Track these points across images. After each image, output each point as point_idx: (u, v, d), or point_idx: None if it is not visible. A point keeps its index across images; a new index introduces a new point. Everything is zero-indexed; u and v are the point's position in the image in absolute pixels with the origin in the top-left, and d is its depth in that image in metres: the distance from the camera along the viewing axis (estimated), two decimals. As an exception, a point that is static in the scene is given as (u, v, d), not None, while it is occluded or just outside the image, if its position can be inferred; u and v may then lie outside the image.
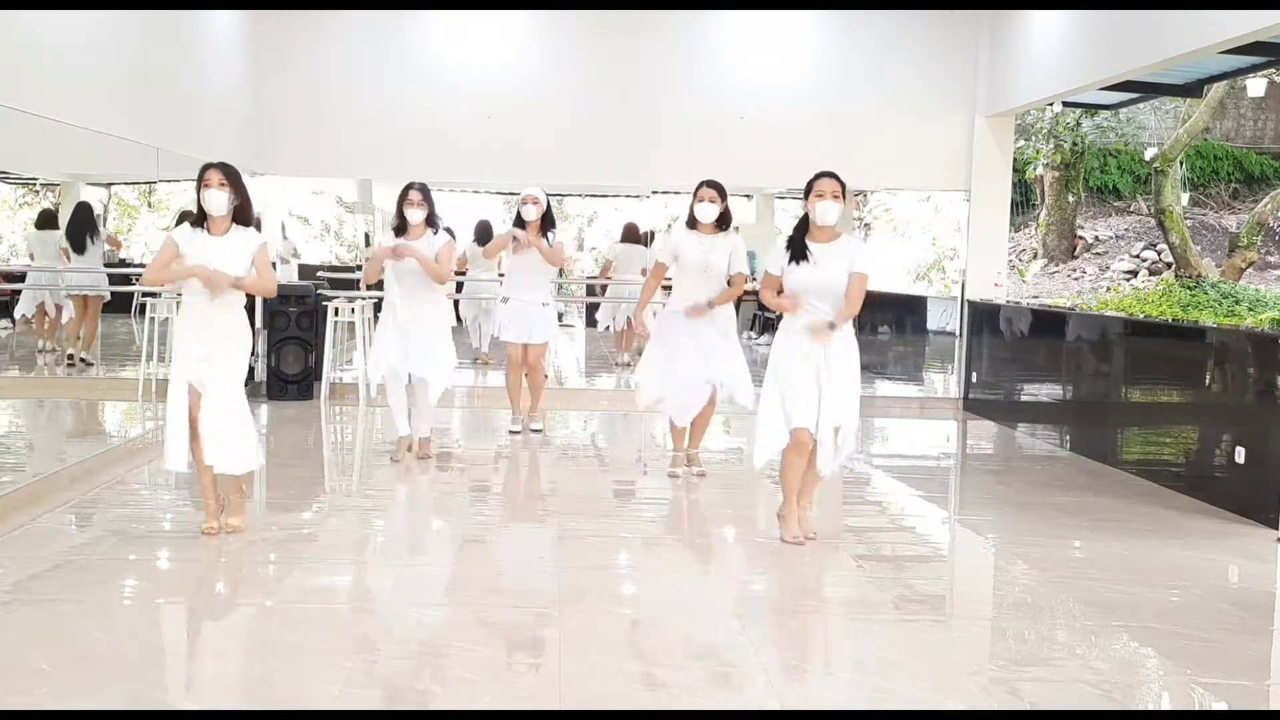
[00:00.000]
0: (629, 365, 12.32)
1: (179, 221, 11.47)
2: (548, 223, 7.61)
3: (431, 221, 6.63)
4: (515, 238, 7.51)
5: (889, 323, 12.66)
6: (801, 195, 5.21)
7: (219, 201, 4.91)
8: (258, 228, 5.37)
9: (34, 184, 15.16)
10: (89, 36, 6.94)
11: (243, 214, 5.00)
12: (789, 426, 5.09)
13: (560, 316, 15.84)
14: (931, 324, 11.09)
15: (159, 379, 8.12)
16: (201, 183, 4.92)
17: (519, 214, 7.57)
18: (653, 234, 11.61)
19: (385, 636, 4.02)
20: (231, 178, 4.94)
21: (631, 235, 12.60)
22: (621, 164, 10.31)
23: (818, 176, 5.11)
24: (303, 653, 3.81)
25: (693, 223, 6.29)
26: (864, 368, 5.36)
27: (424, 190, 6.63)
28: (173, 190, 11.48)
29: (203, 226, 4.98)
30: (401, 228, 6.64)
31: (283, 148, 10.12)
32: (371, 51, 10.03)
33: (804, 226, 5.17)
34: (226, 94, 9.48)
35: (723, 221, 6.28)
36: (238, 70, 9.63)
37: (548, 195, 7.66)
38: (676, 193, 11.56)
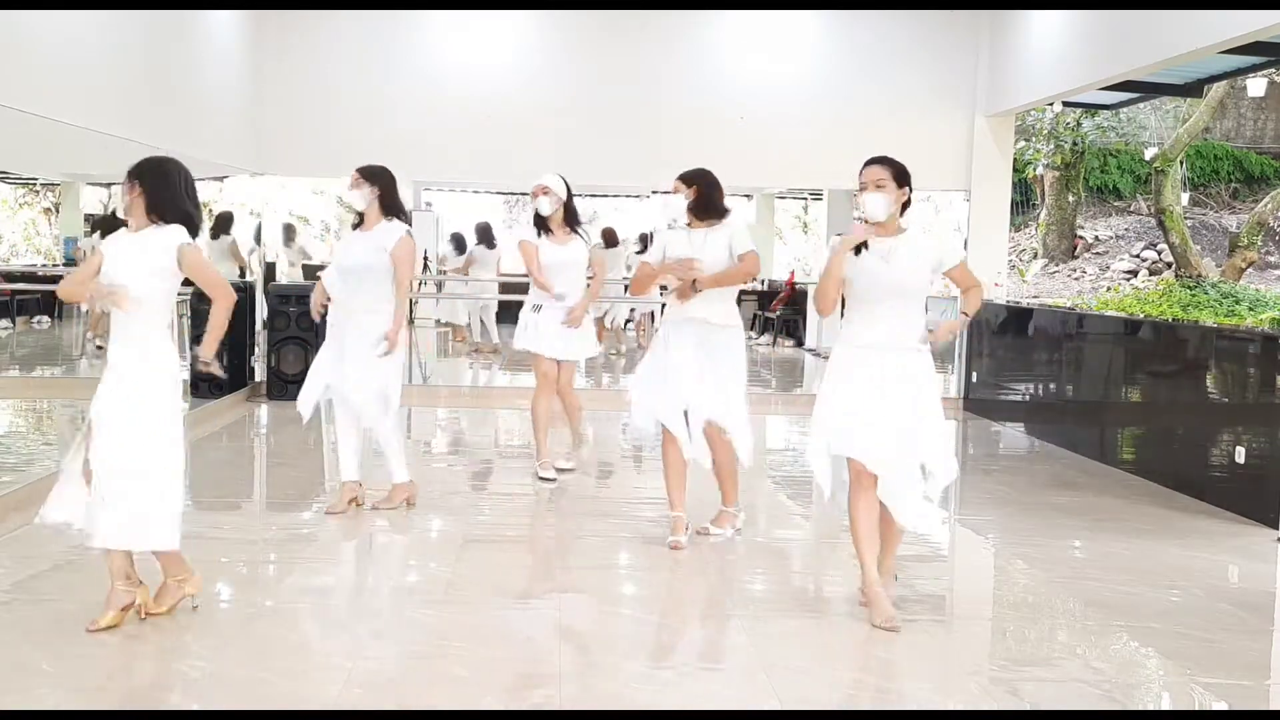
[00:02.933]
0: (617, 354, 12.49)
1: (95, 229, 11.52)
2: (571, 216, 6.34)
3: (389, 209, 5.54)
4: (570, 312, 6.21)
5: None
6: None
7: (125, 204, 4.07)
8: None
9: (34, 184, 15.20)
10: (89, 36, 6.94)
11: (157, 209, 4.05)
12: (845, 453, 4.22)
13: None
14: (931, 324, 11.09)
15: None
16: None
17: (536, 211, 6.36)
18: (651, 235, 11.64)
19: (385, 636, 4.02)
20: (142, 174, 4.07)
21: (611, 240, 12.95)
22: (621, 164, 10.33)
23: (865, 164, 4.29)
24: (303, 653, 3.81)
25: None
26: None
27: (368, 173, 5.55)
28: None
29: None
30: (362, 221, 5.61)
31: (283, 148, 10.13)
32: (371, 51, 10.03)
33: None
34: (226, 94, 9.48)
35: (710, 209, 5.18)
36: (238, 70, 9.63)
37: (567, 183, 6.38)
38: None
